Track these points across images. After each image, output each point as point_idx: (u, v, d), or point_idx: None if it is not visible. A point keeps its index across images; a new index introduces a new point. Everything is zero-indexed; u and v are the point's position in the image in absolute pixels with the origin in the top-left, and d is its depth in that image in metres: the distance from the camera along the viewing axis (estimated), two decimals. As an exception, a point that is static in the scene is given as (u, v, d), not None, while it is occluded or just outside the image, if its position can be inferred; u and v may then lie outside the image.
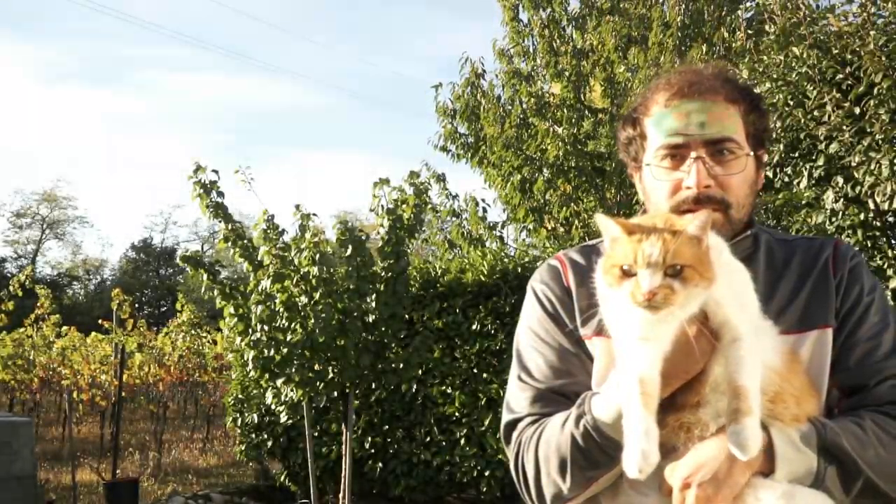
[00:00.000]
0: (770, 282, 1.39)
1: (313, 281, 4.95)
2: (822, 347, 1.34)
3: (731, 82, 1.44)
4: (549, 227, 7.97)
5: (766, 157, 1.53)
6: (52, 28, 56.01)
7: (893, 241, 4.21)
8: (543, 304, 1.47)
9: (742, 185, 1.39)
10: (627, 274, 1.13)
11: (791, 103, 4.16)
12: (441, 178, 7.69)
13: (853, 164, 3.88)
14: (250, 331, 5.03)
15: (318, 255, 4.96)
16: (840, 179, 4.03)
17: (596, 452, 1.26)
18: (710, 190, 1.35)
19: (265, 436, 6.64)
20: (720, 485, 1.16)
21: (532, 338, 1.46)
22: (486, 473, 5.66)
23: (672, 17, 7.26)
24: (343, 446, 5.30)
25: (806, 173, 4.15)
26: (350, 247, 5.00)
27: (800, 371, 1.28)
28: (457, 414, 5.85)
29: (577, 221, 7.72)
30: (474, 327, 5.89)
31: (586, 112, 7.81)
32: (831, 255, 1.42)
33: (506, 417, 1.44)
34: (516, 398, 1.43)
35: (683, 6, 7.33)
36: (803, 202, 4.47)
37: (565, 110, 7.71)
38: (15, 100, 56.94)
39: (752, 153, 1.41)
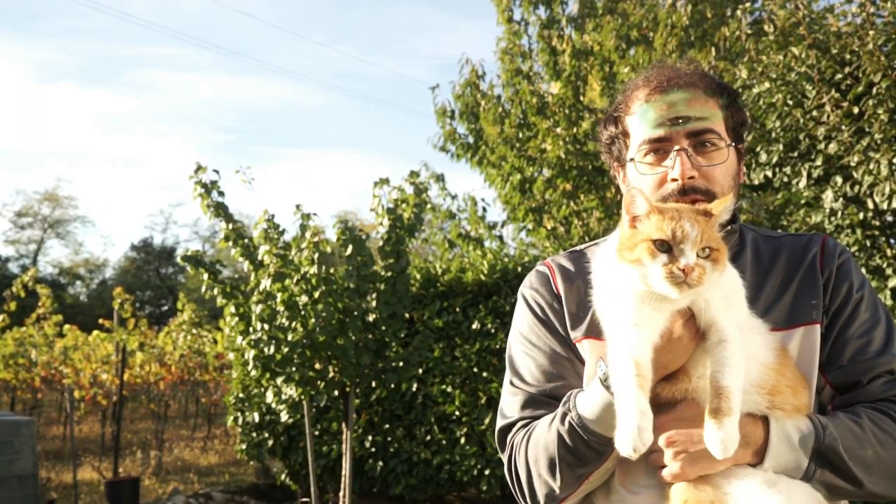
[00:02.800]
0: (757, 280, 1.40)
1: (313, 280, 4.96)
2: (810, 343, 1.35)
3: (709, 77, 1.46)
4: (549, 227, 7.98)
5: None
6: (51, 27, 56.00)
7: (892, 241, 4.22)
8: (534, 309, 1.48)
9: (725, 176, 1.41)
10: (661, 249, 1.13)
11: (790, 103, 4.17)
12: (440, 178, 7.72)
13: (852, 163, 3.89)
14: (251, 330, 5.04)
15: (318, 255, 4.97)
16: (839, 179, 4.04)
17: (583, 448, 1.27)
18: (694, 181, 1.37)
19: (266, 435, 6.66)
20: (699, 459, 1.18)
21: (524, 343, 1.47)
22: (487, 472, 5.68)
23: (678, 18, 7.27)
24: (343, 445, 5.31)
25: (805, 173, 4.15)
26: (350, 246, 5.01)
27: (791, 365, 1.30)
28: (457, 413, 5.87)
29: (576, 221, 7.73)
30: (474, 326, 5.91)
31: (585, 112, 7.82)
32: (819, 252, 1.42)
33: (499, 423, 1.46)
34: (509, 403, 1.45)
35: (690, 6, 7.33)
36: (802, 202, 4.48)
37: (566, 110, 7.72)
38: (15, 99, 56.97)
39: (733, 144, 1.43)
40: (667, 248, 1.13)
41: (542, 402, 1.40)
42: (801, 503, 1.17)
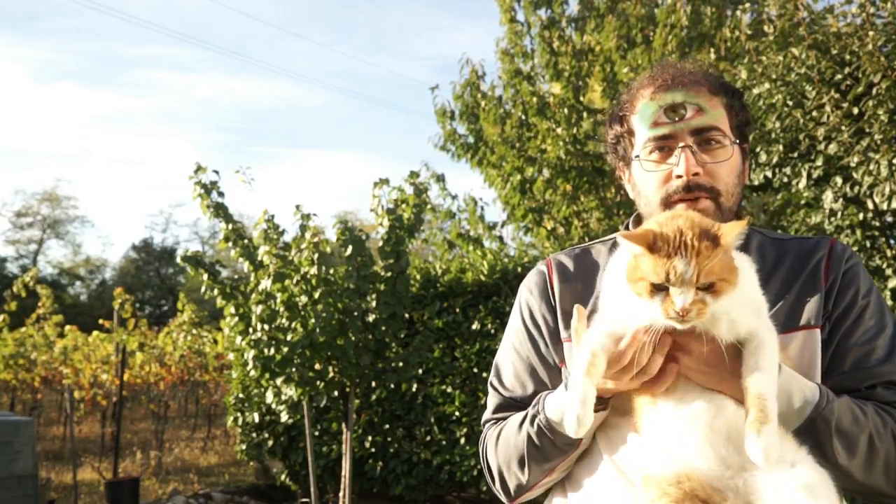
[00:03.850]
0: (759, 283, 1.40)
1: (313, 281, 4.96)
2: (809, 348, 1.34)
3: (713, 76, 1.47)
4: (549, 228, 7.98)
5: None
6: (51, 27, 56.05)
7: (892, 241, 4.22)
8: (523, 314, 1.53)
9: (730, 173, 1.42)
10: (658, 288, 1.11)
11: (790, 104, 4.17)
12: (440, 179, 7.71)
13: (852, 164, 3.89)
14: (251, 330, 5.04)
15: (317, 255, 4.97)
16: (839, 179, 4.04)
17: (549, 448, 1.34)
18: (699, 178, 1.38)
19: (266, 435, 6.66)
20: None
21: (509, 347, 1.53)
22: (486, 473, 5.68)
23: (677, 18, 7.27)
24: (343, 445, 5.31)
25: (805, 173, 4.15)
26: (350, 247, 5.02)
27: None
28: (457, 413, 5.87)
29: (576, 221, 7.73)
30: (474, 327, 5.91)
31: (585, 112, 7.82)
32: (826, 256, 1.41)
33: (483, 417, 1.55)
34: (488, 401, 1.53)
35: (690, 6, 7.33)
36: (802, 202, 4.48)
37: (566, 111, 7.72)
38: (15, 99, 56.99)
39: (737, 143, 1.44)
40: (664, 287, 1.11)
41: (512, 407, 1.47)
42: (821, 486, 1.13)
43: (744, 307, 1.15)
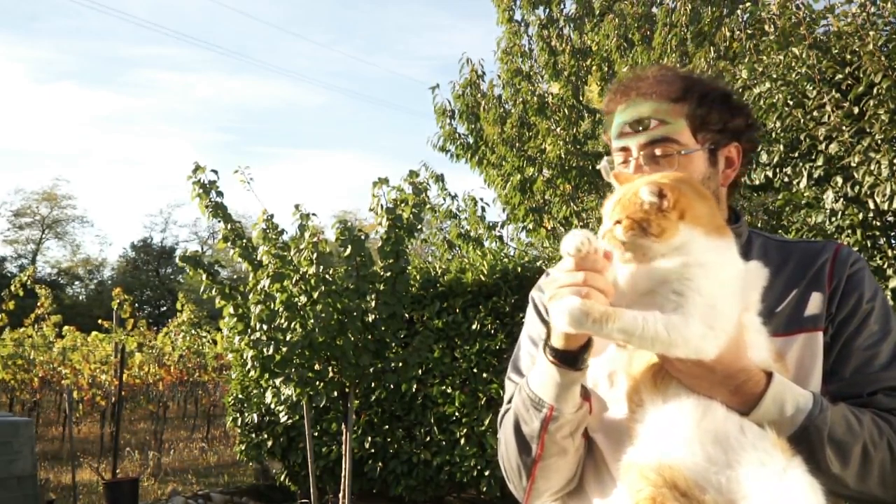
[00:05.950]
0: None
1: (312, 281, 4.95)
2: (810, 350, 1.33)
3: (678, 82, 1.42)
4: (549, 227, 7.97)
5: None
6: (51, 27, 56.13)
7: (893, 241, 4.21)
8: (539, 309, 1.55)
9: None
10: None
11: (791, 103, 4.16)
12: (440, 179, 7.71)
13: (853, 164, 3.88)
14: (250, 330, 5.03)
15: (317, 255, 4.96)
16: (840, 179, 4.03)
17: (522, 409, 1.33)
18: None
19: (265, 435, 6.65)
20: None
21: (528, 343, 1.54)
22: (486, 473, 5.67)
23: (677, 17, 7.26)
24: (343, 446, 5.31)
25: (805, 173, 4.14)
26: (349, 246, 5.01)
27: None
28: (457, 414, 5.85)
29: (576, 221, 7.72)
30: (474, 327, 5.89)
31: (585, 112, 7.81)
32: (830, 260, 1.40)
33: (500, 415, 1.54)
34: (505, 394, 1.52)
35: (689, 6, 7.32)
36: (803, 202, 4.47)
37: (566, 110, 7.71)
38: (14, 99, 57.01)
39: (700, 148, 1.40)
40: None
41: None
42: (810, 494, 1.12)
43: (694, 294, 1.14)
